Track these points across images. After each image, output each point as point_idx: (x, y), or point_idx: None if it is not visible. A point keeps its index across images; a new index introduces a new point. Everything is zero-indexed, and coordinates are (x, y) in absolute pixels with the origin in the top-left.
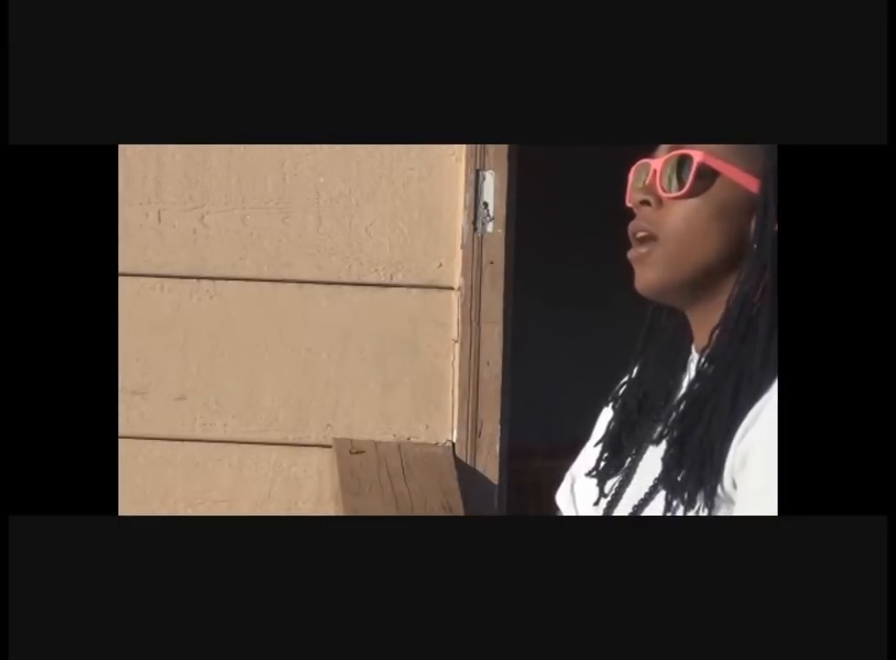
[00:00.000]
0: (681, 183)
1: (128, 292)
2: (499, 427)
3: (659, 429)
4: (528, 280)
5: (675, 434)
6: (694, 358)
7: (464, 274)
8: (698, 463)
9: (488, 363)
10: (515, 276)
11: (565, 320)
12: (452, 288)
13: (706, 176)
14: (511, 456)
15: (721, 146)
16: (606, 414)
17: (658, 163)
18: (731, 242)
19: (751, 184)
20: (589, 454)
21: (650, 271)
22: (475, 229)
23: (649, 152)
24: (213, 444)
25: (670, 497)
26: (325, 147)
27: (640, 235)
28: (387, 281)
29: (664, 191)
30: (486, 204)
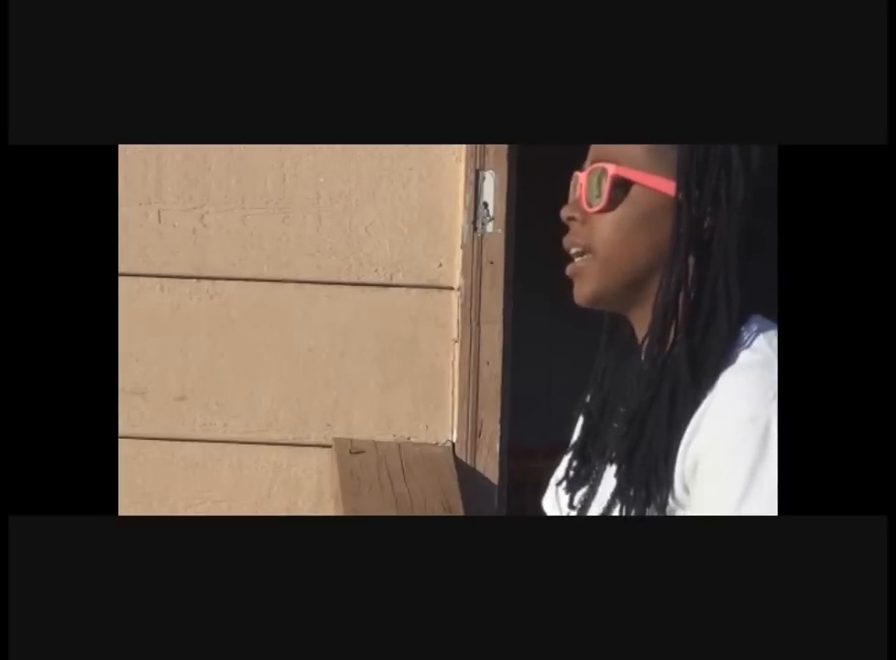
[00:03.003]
0: (600, 197)
1: (128, 292)
2: (499, 427)
3: (613, 444)
4: (528, 280)
5: (623, 450)
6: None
7: (464, 274)
8: (643, 480)
9: (488, 363)
10: (515, 276)
11: (565, 320)
12: (452, 288)
13: (622, 187)
14: (511, 456)
15: (640, 155)
16: (579, 422)
17: (583, 177)
18: (658, 248)
19: (671, 189)
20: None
21: (586, 284)
22: (475, 229)
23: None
24: (213, 444)
25: (625, 510)
26: (325, 147)
27: (574, 250)
28: (388, 281)
29: (588, 205)
30: (486, 204)
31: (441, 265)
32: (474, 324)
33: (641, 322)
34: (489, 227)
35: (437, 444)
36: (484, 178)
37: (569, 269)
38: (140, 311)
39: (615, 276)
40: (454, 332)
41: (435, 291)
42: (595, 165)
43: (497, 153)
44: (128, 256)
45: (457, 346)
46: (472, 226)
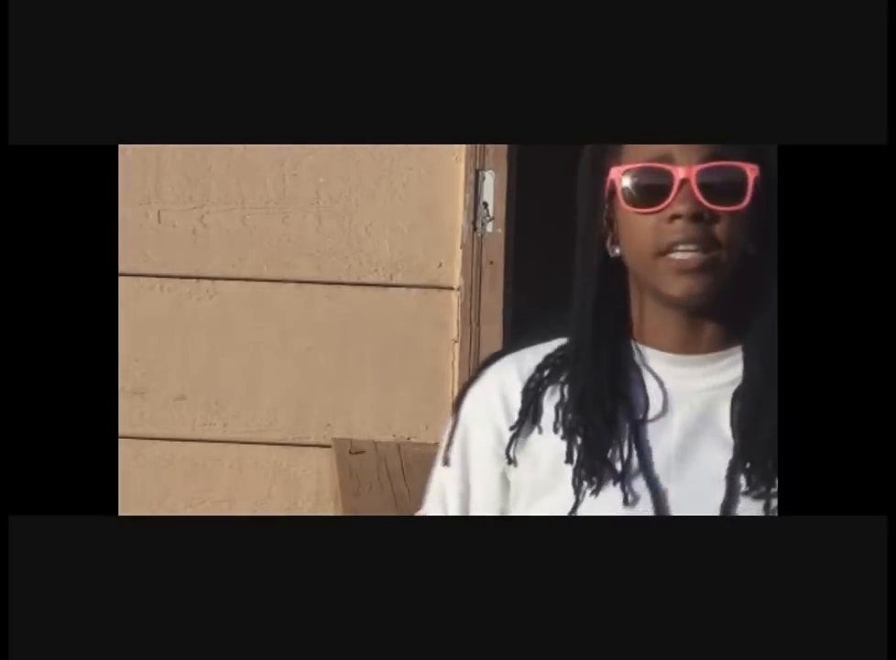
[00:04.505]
0: (736, 197)
1: (128, 292)
2: None
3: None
4: (528, 281)
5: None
6: (679, 360)
7: (463, 274)
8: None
9: None
10: (515, 276)
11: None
12: (452, 288)
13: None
14: None
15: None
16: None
17: (689, 172)
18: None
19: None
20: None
21: (715, 280)
22: (475, 229)
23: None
24: (213, 444)
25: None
26: (325, 147)
27: (695, 246)
28: (387, 281)
29: (714, 203)
30: (485, 204)
31: (441, 265)
32: (474, 325)
33: (711, 316)
34: (489, 227)
35: (437, 444)
36: (484, 178)
37: (698, 262)
38: (140, 311)
39: (729, 272)
40: (454, 332)
41: (435, 291)
42: (723, 162)
43: (497, 153)
44: (128, 256)
45: (457, 346)
46: (472, 226)
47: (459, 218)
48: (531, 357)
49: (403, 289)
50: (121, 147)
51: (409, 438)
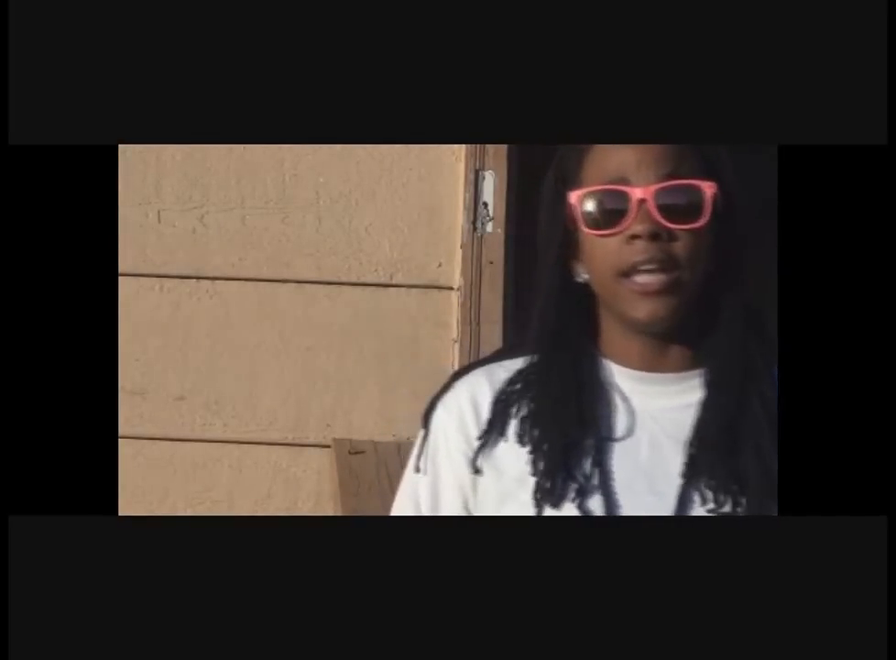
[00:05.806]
0: (694, 215)
1: (128, 292)
2: None
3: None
4: (528, 281)
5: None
6: (647, 378)
7: (463, 274)
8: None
9: None
10: (515, 276)
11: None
12: (451, 288)
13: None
14: None
15: (695, 163)
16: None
17: (646, 192)
18: (711, 258)
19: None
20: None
21: (675, 300)
22: (475, 229)
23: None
24: (212, 444)
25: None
26: (325, 147)
27: (654, 266)
28: (387, 281)
29: (673, 222)
30: (485, 204)
31: (440, 265)
32: (474, 324)
33: (677, 336)
34: (489, 227)
35: None
36: (483, 178)
37: (662, 284)
38: (140, 311)
39: (693, 291)
40: (454, 332)
41: (435, 291)
42: (678, 182)
43: (497, 153)
44: (128, 256)
45: (457, 346)
46: (472, 226)
47: (459, 218)
48: (501, 370)
49: (403, 289)
50: (121, 147)
51: (409, 438)
